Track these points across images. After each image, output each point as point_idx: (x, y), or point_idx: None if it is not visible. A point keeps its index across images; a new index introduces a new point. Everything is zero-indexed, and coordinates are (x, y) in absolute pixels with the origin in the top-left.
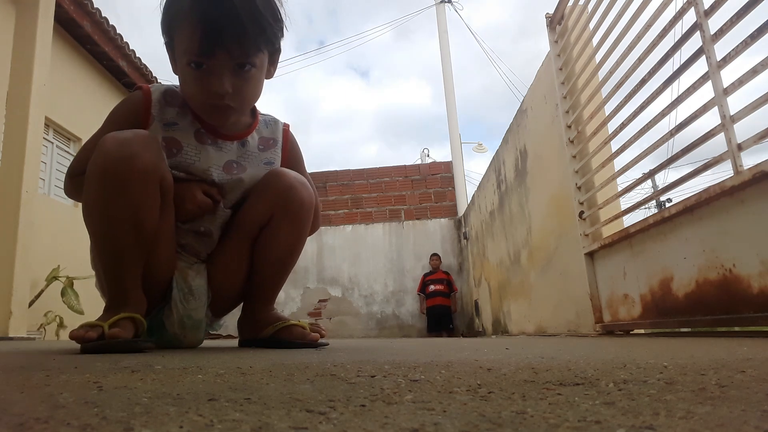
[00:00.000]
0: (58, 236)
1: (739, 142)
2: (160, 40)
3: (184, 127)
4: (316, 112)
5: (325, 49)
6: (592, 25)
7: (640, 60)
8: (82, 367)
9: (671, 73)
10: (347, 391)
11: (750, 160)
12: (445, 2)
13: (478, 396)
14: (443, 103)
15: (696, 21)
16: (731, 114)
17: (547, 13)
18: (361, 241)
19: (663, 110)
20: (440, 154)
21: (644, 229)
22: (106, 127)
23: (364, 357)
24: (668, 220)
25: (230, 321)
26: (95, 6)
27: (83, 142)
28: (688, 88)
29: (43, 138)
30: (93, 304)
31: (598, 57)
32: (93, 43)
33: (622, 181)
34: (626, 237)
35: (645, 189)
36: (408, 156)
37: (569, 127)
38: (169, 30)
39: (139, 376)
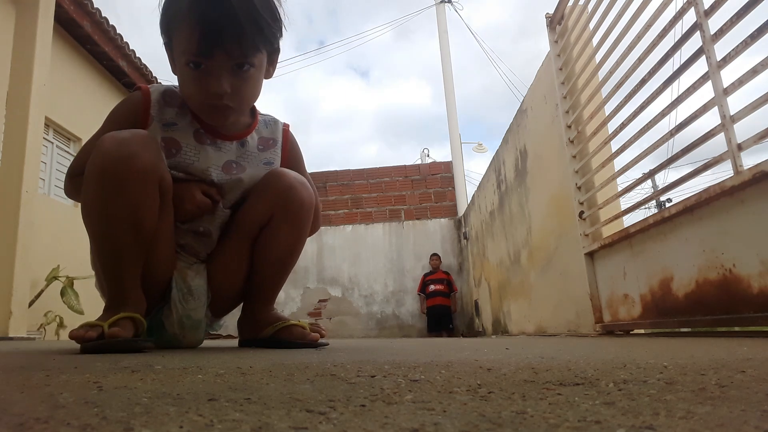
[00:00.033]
0: (58, 236)
1: (739, 142)
2: (159, 40)
3: (183, 127)
4: (316, 112)
5: (325, 49)
6: (592, 25)
7: (640, 60)
8: (82, 367)
9: (671, 73)
10: (347, 391)
11: (750, 160)
12: (445, 2)
13: (478, 396)
14: (443, 103)
15: (696, 21)
16: (731, 114)
17: (547, 13)
18: (361, 241)
19: (663, 110)
20: (440, 154)
21: (644, 229)
22: (106, 127)
23: (364, 357)
24: (668, 220)
25: (230, 321)
26: (95, 6)
27: (83, 142)
28: (688, 88)
29: (43, 138)
30: (93, 304)
31: (598, 57)
32: (93, 43)
33: (622, 181)
34: (626, 237)
35: (645, 189)
36: (408, 156)
37: (569, 127)
38: (168, 30)
39: (139, 376)
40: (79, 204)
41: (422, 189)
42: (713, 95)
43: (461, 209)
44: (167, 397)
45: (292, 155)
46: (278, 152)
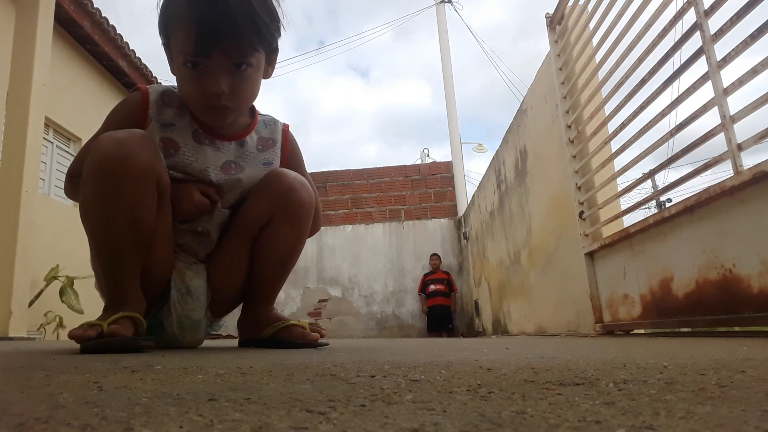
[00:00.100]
0: (58, 236)
1: (739, 142)
2: (159, 41)
3: (181, 127)
4: (316, 112)
5: (325, 49)
6: (592, 25)
7: (640, 60)
8: (82, 367)
9: (671, 73)
10: (347, 391)
11: (750, 160)
12: (445, 2)
13: (478, 396)
14: (443, 103)
15: (696, 21)
16: (731, 114)
17: (547, 13)
18: (361, 241)
19: (663, 110)
20: (440, 154)
21: (644, 229)
22: (105, 128)
23: (364, 357)
24: (668, 220)
25: (230, 321)
26: (95, 6)
27: (83, 142)
28: (688, 88)
29: (43, 138)
30: (93, 304)
31: (598, 57)
32: (93, 43)
33: (622, 181)
34: (626, 237)
35: (645, 189)
36: (408, 156)
37: (569, 127)
38: (166, 30)
39: (139, 376)
40: (78, 204)
41: (422, 189)
42: (713, 95)
43: (461, 209)
44: (167, 397)
45: (291, 155)
46: (278, 152)
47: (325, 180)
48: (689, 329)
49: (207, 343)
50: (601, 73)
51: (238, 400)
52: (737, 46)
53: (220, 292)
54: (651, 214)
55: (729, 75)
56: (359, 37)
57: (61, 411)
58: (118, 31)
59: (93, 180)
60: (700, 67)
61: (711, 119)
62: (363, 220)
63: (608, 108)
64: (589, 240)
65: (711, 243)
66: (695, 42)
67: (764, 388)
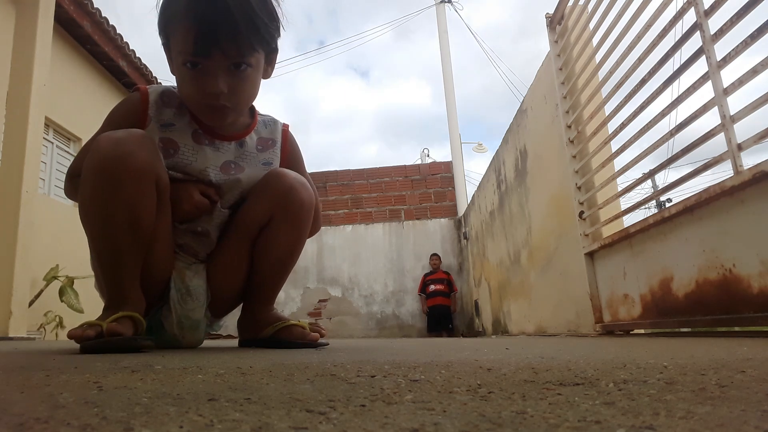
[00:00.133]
0: (58, 236)
1: (739, 142)
2: (159, 40)
3: (181, 127)
4: (316, 112)
5: (325, 49)
6: (592, 25)
7: (640, 60)
8: (82, 367)
9: (671, 73)
10: (347, 391)
11: (750, 160)
12: (445, 2)
13: (478, 396)
14: (443, 103)
15: (696, 21)
16: (731, 114)
17: (547, 13)
18: (361, 241)
19: (663, 110)
20: (440, 154)
21: (644, 229)
22: (104, 128)
23: (364, 357)
24: (668, 220)
25: (230, 321)
26: (95, 6)
27: (83, 142)
28: (688, 88)
29: (43, 138)
30: (93, 304)
31: (598, 57)
32: (93, 43)
33: (622, 181)
34: (626, 237)
35: (645, 189)
36: (408, 156)
37: (569, 127)
38: (166, 30)
39: (139, 376)
40: (77, 204)
41: (422, 189)
42: (713, 95)
43: (461, 209)
44: (167, 397)
45: (291, 155)
46: (277, 153)
47: (325, 180)
48: (689, 329)
49: (207, 343)
50: (601, 73)
51: (238, 400)
52: (737, 46)
53: (219, 292)
54: (651, 214)
55: (729, 75)
56: (359, 37)
57: (61, 411)
58: (118, 31)
59: (92, 180)
60: (700, 67)
61: (711, 119)
62: (363, 220)
63: (608, 108)
64: (589, 240)
65: (711, 243)
66: (695, 42)
67: (764, 388)
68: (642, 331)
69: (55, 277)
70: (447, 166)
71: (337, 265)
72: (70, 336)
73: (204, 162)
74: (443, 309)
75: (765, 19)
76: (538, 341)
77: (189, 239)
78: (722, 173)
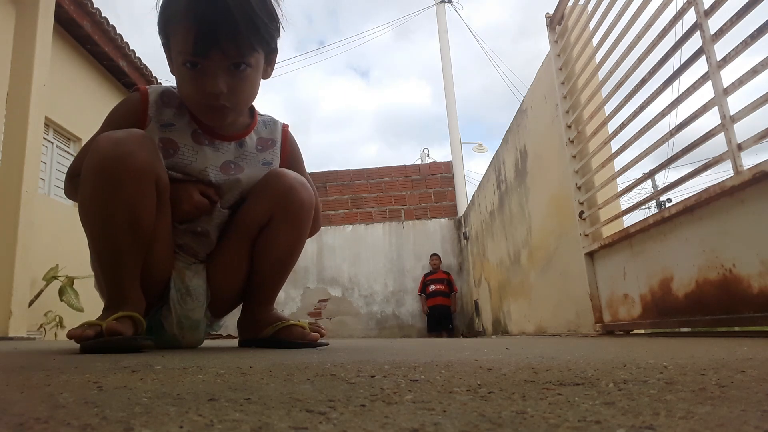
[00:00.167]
0: (58, 236)
1: (739, 142)
2: (159, 40)
3: (180, 128)
4: (316, 112)
5: (325, 49)
6: (592, 25)
7: (640, 60)
8: (82, 367)
9: (671, 73)
10: (347, 391)
11: (750, 160)
12: (445, 2)
13: (478, 396)
14: (443, 103)
15: (696, 21)
16: (731, 114)
17: (547, 13)
18: (361, 241)
19: (663, 110)
20: (440, 154)
21: (644, 229)
22: (104, 128)
23: (364, 357)
24: (668, 220)
25: (230, 321)
26: (95, 6)
27: (83, 142)
28: (688, 88)
29: (43, 138)
30: (93, 304)
31: (598, 57)
32: (93, 43)
33: (622, 181)
34: (626, 237)
35: (645, 189)
36: (408, 156)
37: (569, 127)
38: (165, 30)
39: (139, 376)
40: (77, 204)
41: (422, 189)
42: (713, 95)
43: (461, 209)
44: (167, 397)
45: (291, 156)
46: (277, 153)
47: (325, 180)
48: (689, 329)
49: (207, 343)
50: (601, 73)
51: (238, 400)
52: (737, 46)
53: (219, 292)
54: (651, 214)
55: (729, 75)
56: (359, 37)
57: (61, 411)
58: (118, 31)
59: (92, 180)
60: (700, 67)
61: (711, 119)
62: (363, 220)
63: (608, 108)
64: (589, 240)
65: (711, 243)
66: (695, 42)
67: (764, 388)
68: (642, 331)
69: (55, 277)
70: (447, 166)
71: (337, 265)
72: (70, 336)
73: (204, 162)
74: (443, 309)
75: (765, 19)
76: (538, 341)
77: (189, 239)
78: (722, 173)
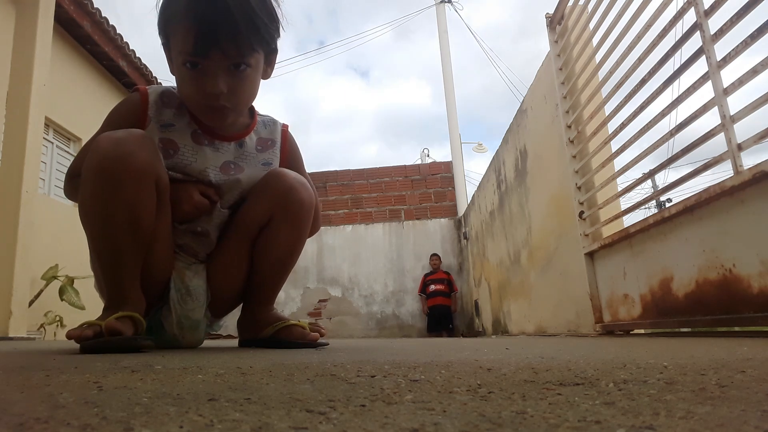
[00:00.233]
0: (58, 236)
1: (739, 142)
2: (159, 40)
3: (180, 128)
4: (316, 112)
5: (325, 49)
6: (592, 25)
7: (640, 60)
8: (82, 367)
9: (671, 73)
10: (347, 391)
11: (750, 160)
12: (445, 2)
13: (478, 396)
14: (443, 103)
15: (696, 21)
16: (731, 114)
17: (547, 13)
18: (361, 241)
19: (663, 110)
20: (440, 154)
21: (644, 229)
22: (104, 128)
23: (364, 357)
24: (668, 220)
25: (230, 321)
26: (95, 6)
27: (83, 142)
28: (688, 88)
29: (43, 138)
30: (93, 304)
31: (598, 57)
32: (93, 43)
33: (622, 181)
34: (626, 237)
35: (645, 189)
36: (408, 156)
37: (569, 127)
38: (165, 30)
39: (139, 376)
40: (77, 204)
41: (422, 189)
42: (713, 95)
43: (461, 209)
44: (167, 397)
45: (291, 156)
46: (277, 153)
47: (325, 180)
48: (689, 329)
49: (207, 343)
50: (601, 73)
51: (238, 400)
52: (737, 46)
53: (219, 293)
54: (651, 214)
55: (729, 75)
56: (359, 37)
57: (61, 411)
58: (118, 31)
59: (92, 180)
60: (700, 67)
61: (711, 119)
62: (363, 220)
63: (608, 108)
64: (589, 240)
65: (711, 243)
66: (695, 42)
67: (764, 388)
68: (642, 331)
69: (55, 277)
70: (447, 166)
71: (337, 265)
72: (69, 336)
73: (204, 162)
74: (443, 309)
75: (765, 19)
76: (538, 341)
77: (189, 239)
78: (722, 173)
